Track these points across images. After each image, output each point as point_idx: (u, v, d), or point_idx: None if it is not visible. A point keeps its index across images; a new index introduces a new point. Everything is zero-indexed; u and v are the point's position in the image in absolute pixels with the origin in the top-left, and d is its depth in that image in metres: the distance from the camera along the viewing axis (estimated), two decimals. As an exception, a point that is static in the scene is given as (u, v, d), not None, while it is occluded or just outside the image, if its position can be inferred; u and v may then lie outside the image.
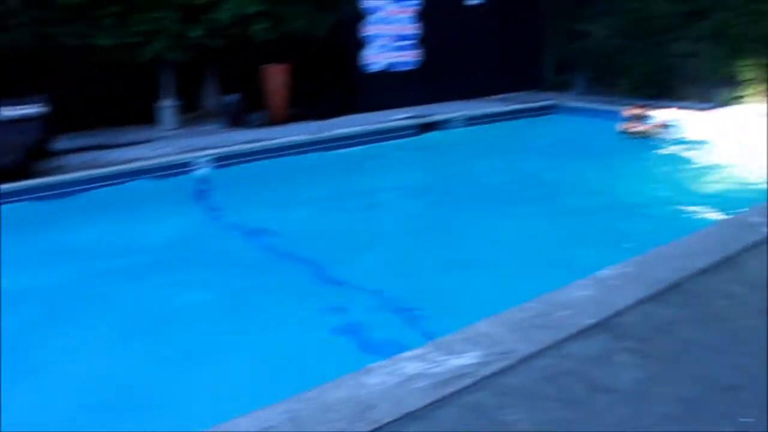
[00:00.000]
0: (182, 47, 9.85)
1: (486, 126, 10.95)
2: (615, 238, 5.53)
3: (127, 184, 7.74)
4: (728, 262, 3.86)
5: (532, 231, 5.99)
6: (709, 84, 11.37)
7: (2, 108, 8.13)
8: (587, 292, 3.41)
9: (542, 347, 2.87)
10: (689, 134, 9.66)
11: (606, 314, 3.16)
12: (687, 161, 8.44)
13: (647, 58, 11.94)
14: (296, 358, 3.85)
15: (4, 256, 5.26)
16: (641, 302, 3.30)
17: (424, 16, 12.04)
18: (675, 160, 8.59)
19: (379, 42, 11.63)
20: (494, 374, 2.68)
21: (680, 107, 10.57)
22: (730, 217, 4.74)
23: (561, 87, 13.69)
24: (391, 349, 3.16)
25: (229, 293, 4.93)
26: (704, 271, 3.70)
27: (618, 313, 3.17)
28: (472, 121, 10.94)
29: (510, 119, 11.30)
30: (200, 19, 9.79)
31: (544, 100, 12.19)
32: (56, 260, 5.64)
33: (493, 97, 12.86)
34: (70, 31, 9.13)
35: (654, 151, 9.07)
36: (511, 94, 13.06)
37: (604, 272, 3.65)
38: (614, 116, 10.48)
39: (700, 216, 5.93)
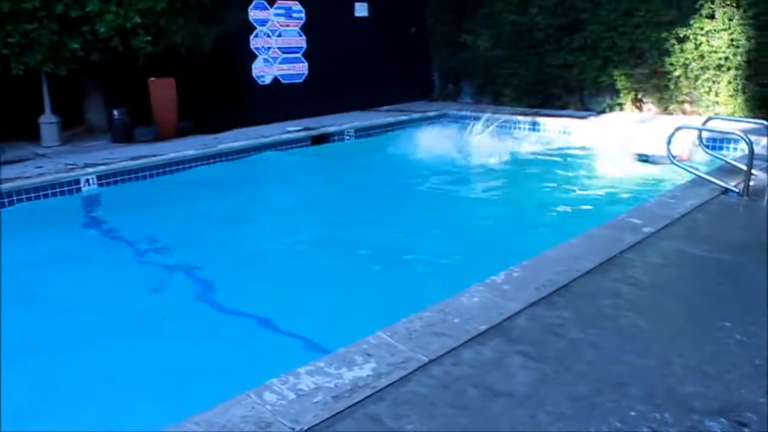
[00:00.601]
0: (59, 59, 9.41)
1: (374, 138, 11.04)
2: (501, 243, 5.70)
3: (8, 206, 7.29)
4: (612, 262, 4.04)
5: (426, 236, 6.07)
6: (587, 93, 11.97)
7: None
8: (480, 298, 3.49)
9: (437, 355, 2.91)
10: (572, 141, 10.14)
11: (498, 319, 3.23)
12: (571, 167, 8.80)
13: (528, 69, 12.42)
14: (187, 376, 3.73)
15: None
16: (532, 305, 3.40)
17: (311, 28, 12.04)
18: (561, 166, 8.94)
19: (266, 55, 11.53)
20: (391, 384, 2.69)
21: (562, 116, 11.08)
22: (613, 219, 4.95)
23: (450, 96, 14.07)
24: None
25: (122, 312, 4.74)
26: (590, 272, 3.86)
27: (509, 318, 3.25)
28: (361, 132, 11.00)
29: (398, 129, 11.42)
30: (78, 31, 9.38)
31: (432, 110, 12.42)
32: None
33: (384, 107, 13.03)
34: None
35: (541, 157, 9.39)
36: (402, 105, 13.27)
37: (495, 278, 3.74)
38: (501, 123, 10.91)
39: (584, 219, 6.16)
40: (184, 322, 4.56)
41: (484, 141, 9.87)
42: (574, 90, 12.10)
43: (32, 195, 7.52)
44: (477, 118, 11.05)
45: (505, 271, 3.84)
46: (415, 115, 11.94)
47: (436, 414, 2.48)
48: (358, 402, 2.58)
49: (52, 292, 5.19)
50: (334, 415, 2.50)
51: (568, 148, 9.83)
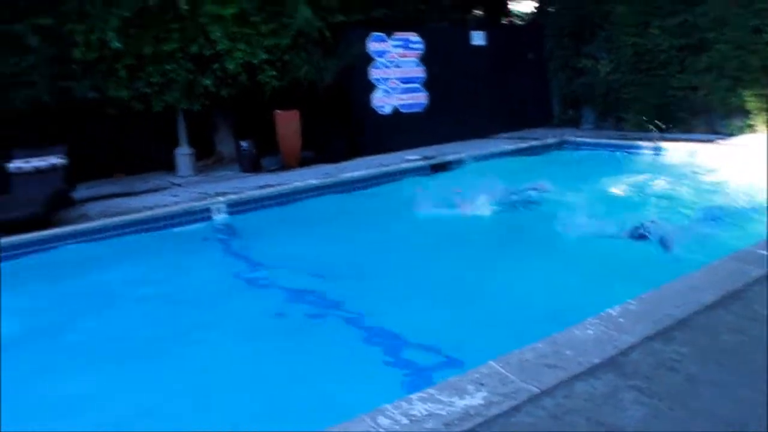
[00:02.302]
0: (193, 96, 10.13)
1: (493, 163, 11.03)
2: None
3: (146, 232, 7.90)
4: (736, 296, 3.89)
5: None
6: (715, 115, 11.47)
7: (24, 159, 8.41)
8: (594, 331, 3.46)
9: (549, 387, 2.92)
10: (699, 166, 9.73)
11: (612, 353, 3.21)
12: (697, 193, 8.46)
13: (651, 92, 12.07)
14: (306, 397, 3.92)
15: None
16: (648, 339, 3.34)
17: (429, 58, 12.26)
18: (685, 192, 8.61)
19: (385, 85, 11.85)
20: (501, 414, 2.73)
21: (688, 140, 10.68)
22: (738, 251, 4.75)
23: (570, 123, 13.86)
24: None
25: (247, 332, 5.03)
26: (711, 306, 3.73)
27: (624, 352, 3.21)
28: (481, 160, 11.03)
29: (519, 156, 11.37)
30: (209, 69, 10.06)
31: (552, 137, 12.28)
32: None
33: (502, 135, 13.02)
34: (86, 85, 9.41)
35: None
36: (521, 132, 13.21)
37: (611, 311, 3.69)
38: (621, 149, 10.68)
39: (707, 250, 5.92)
40: (304, 344, 4.76)
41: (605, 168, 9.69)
42: (700, 112, 11.64)
43: (168, 222, 8.09)
44: (597, 145, 10.86)
45: (622, 304, 3.78)
46: (534, 143, 11.86)
47: (546, 445, 2.51)
48: (468, 429, 2.64)
49: (183, 312, 5.57)
50: (445, 442, 2.57)
51: (694, 173, 9.44)
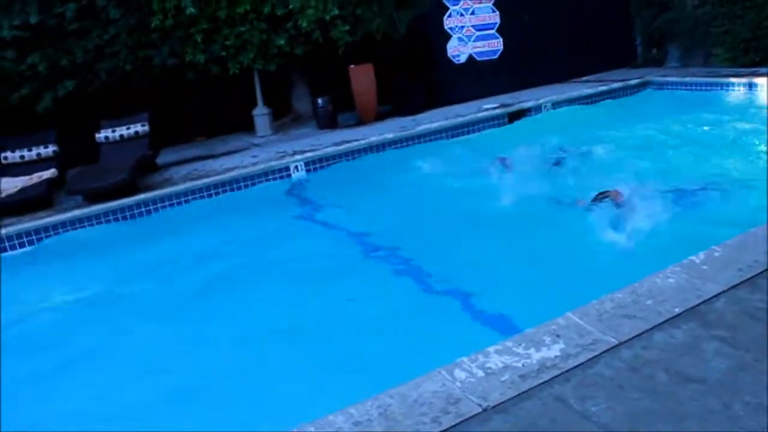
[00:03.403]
0: (268, 56, 10.24)
1: (574, 108, 10.73)
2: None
3: (229, 192, 8.15)
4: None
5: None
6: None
7: (110, 129, 8.76)
8: (676, 279, 3.36)
9: (627, 338, 2.87)
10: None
11: (695, 302, 3.11)
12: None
13: (743, 25, 11.34)
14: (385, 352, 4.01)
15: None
16: (733, 288, 3.22)
17: (503, 3, 11.91)
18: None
19: (460, 33, 11.62)
20: (578, 366, 2.71)
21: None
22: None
23: (654, 62, 13.25)
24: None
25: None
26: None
27: (707, 301, 3.11)
28: (559, 105, 10.74)
29: (599, 101, 11.00)
30: (283, 28, 10.12)
31: (635, 78, 11.78)
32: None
33: (582, 78, 12.58)
34: (165, 52, 9.65)
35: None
36: (602, 74, 12.72)
37: (694, 258, 3.57)
38: (712, 88, 10.15)
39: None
40: (381, 299, 4.84)
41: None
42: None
43: (249, 183, 8.29)
44: (683, 84, 10.37)
45: (706, 250, 3.65)
46: (615, 85, 11.41)
47: (623, 397, 2.47)
48: (544, 382, 2.64)
49: (267, 268, 5.74)
50: (520, 394, 2.58)
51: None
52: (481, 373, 2.76)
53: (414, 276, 5.29)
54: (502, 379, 2.70)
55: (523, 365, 2.78)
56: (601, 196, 6.12)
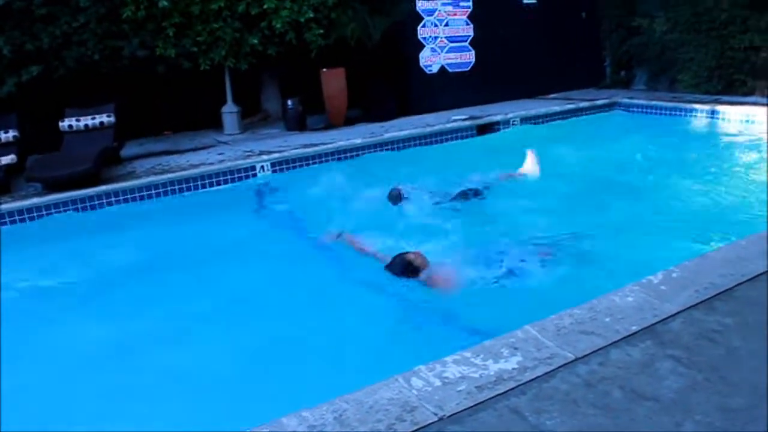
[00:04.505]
0: (240, 54, 10.16)
1: (542, 126, 10.85)
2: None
3: (193, 189, 8.08)
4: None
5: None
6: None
7: (75, 118, 8.59)
8: (634, 298, 3.41)
9: (584, 353, 2.89)
10: (755, 131, 9.38)
11: (652, 321, 3.15)
12: (752, 160, 8.18)
13: (708, 53, 11.62)
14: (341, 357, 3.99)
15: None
16: (689, 308, 3.27)
17: (478, 17, 12.02)
18: (739, 158, 8.34)
19: (434, 44, 11.68)
20: (535, 379, 2.72)
21: (745, 103, 10.30)
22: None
23: (622, 84, 13.49)
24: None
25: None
26: (759, 277, 3.63)
27: (664, 320, 3.16)
28: (528, 121, 10.86)
29: (567, 118, 11.15)
30: (256, 27, 10.06)
31: (602, 98, 11.98)
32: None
33: (551, 95, 12.75)
34: (135, 43, 9.51)
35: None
36: (571, 93, 12.91)
37: (652, 277, 3.62)
38: (674, 112, 10.38)
39: (759, 220, 5.73)
40: (343, 303, 4.81)
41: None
42: (761, 75, 11.17)
43: (214, 180, 8.20)
44: (649, 107, 10.59)
45: (664, 270, 3.71)
46: (583, 104, 11.59)
47: (578, 412, 2.49)
48: (501, 394, 2.64)
49: (231, 272, 5.67)
50: (476, 405, 2.57)
51: (750, 139, 9.11)
52: (438, 382, 2.76)
53: (374, 281, 5.25)
54: (459, 389, 2.70)
55: (480, 376, 2.78)
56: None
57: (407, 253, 4.97)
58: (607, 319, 3.20)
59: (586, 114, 11.40)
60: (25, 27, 8.81)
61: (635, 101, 11.63)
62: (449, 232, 5.83)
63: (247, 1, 9.84)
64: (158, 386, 3.89)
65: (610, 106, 11.76)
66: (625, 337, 3.02)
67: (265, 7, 9.88)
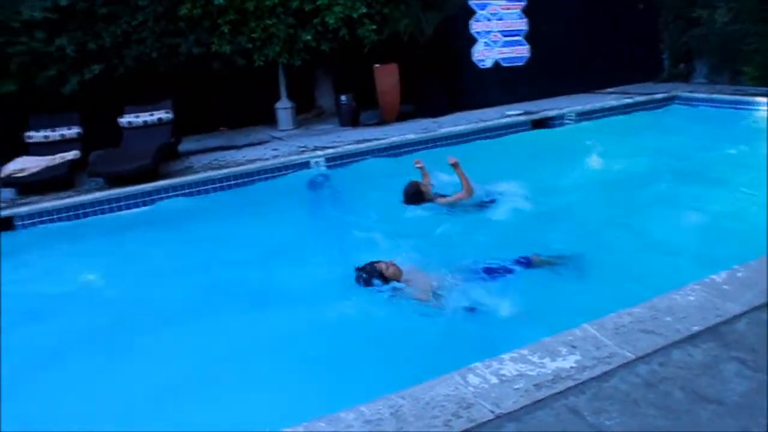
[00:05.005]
0: (294, 51, 10.27)
1: (599, 121, 10.65)
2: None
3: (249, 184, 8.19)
4: None
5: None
6: None
7: (134, 114, 8.82)
8: (696, 297, 3.33)
9: (644, 353, 2.84)
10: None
11: (715, 321, 3.07)
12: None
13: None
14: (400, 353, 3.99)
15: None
16: (755, 309, 3.18)
17: (532, 10, 11.87)
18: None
19: (487, 38, 11.59)
20: (593, 378, 2.68)
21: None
22: None
23: (680, 77, 13.14)
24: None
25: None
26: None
27: (728, 321, 3.07)
28: (584, 116, 10.67)
29: (624, 113, 10.92)
30: (310, 23, 10.14)
31: (661, 92, 11.69)
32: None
33: (608, 89, 12.50)
34: (191, 41, 9.70)
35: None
36: (628, 87, 12.63)
37: (715, 276, 3.53)
38: (738, 106, 10.06)
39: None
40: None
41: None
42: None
43: (269, 175, 8.30)
44: (710, 101, 10.28)
45: (728, 270, 3.61)
46: (640, 98, 11.33)
47: (638, 413, 2.44)
48: (558, 392, 2.61)
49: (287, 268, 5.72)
50: (534, 403, 2.56)
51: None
52: (494, 380, 2.74)
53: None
54: (516, 386, 2.68)
55: (538, 374, 2.76)
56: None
57: (378, 262, 4.90)
58: (668, 319, 3.13)
59: (644, 109, 11.12)
60: (87, 27, 9.09)
61: (695, 95, 11.31)
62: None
63: (301, -3, 9.95)
64: (224, 374, 3.97)
65: (669, 100, 11.46)
66: (686, 337, 2.95)
67: (318, 3, 9.97)
